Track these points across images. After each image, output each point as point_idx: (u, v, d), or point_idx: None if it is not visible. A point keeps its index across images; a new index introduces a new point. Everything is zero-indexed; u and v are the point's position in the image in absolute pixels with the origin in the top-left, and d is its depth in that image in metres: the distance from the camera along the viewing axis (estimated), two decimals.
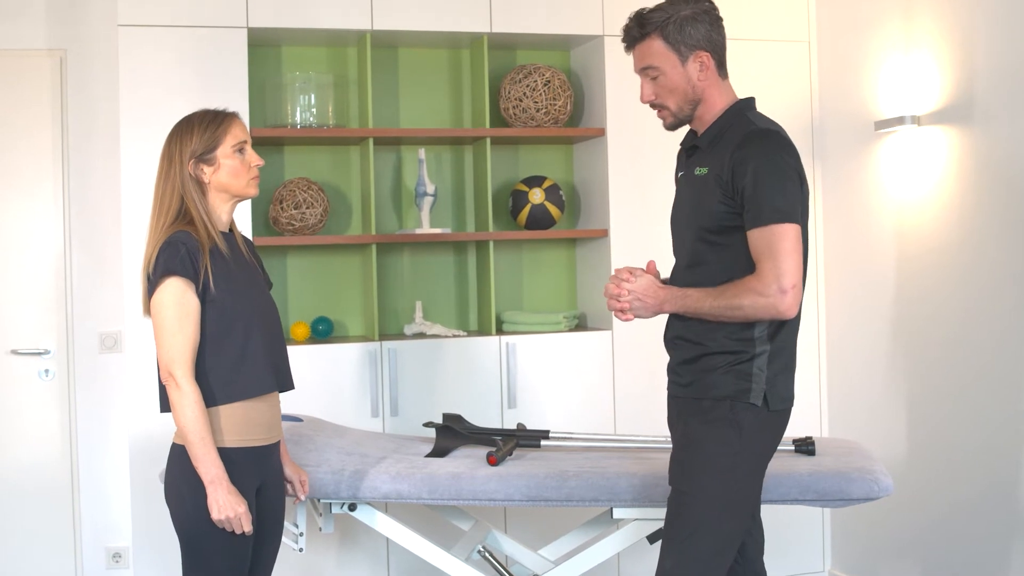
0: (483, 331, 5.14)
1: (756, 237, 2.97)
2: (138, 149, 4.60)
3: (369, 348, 4.83)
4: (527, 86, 5.07)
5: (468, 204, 5.33)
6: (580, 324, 5.34)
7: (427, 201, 5.06)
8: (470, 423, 4.05)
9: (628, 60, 5.07)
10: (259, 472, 3.18)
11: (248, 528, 3.05)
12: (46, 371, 5.04)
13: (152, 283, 3.06)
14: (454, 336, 4.97)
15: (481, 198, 5.14)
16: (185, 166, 3.13)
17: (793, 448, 3.84)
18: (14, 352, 5.01)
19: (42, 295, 5.03)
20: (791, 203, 2.96)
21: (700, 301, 3.05)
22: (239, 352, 3.11)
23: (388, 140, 5.09)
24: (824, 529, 5.41)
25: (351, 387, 4.81)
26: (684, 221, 3.21)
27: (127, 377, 4.66)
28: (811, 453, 3.80)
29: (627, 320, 3.19)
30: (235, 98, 4.65)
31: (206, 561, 3.09)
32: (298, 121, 4.93)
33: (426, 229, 5.02)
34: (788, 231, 2.95)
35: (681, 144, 3.30)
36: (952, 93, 4.50)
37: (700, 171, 3.12)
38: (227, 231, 3.24)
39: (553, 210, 5.15)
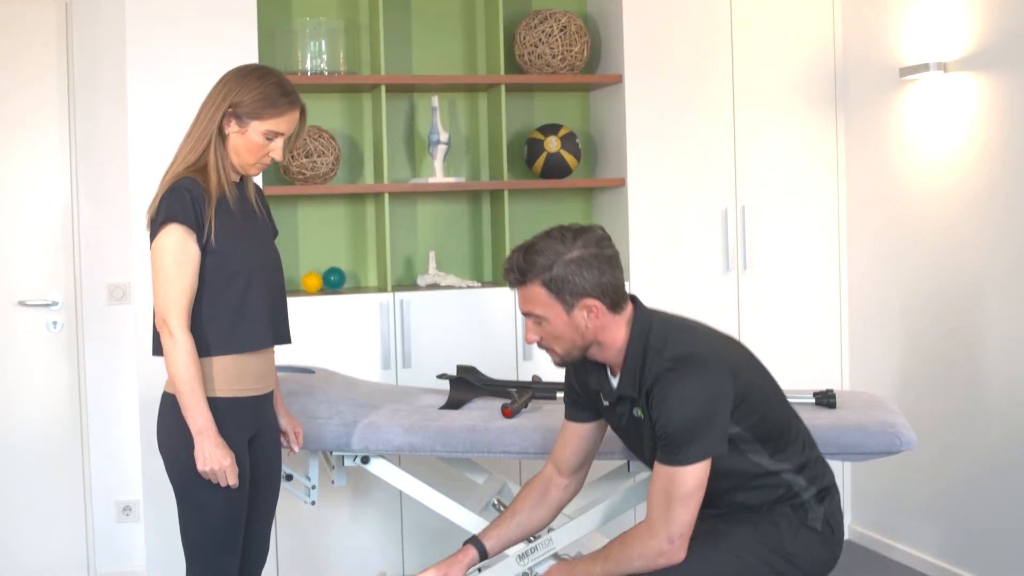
0: (498, 282, 5.13)
1: (659, 472, 2.87)
2: (145, 96, 4.58)
3: (382, 299, 4.83)
4: (543, 32, 5.04)
5: (482, 153, 5.31)
6: None
7: (440, 150, 5.04)
8: (485, 375, 4.04)
9: (646, 5, 5.03)
10: (251, 422, 3.19)
11: (233, 481, 3.05)
12: (54, 323, 5.05)
13: (153, 228, 3.05)
14: (468, 287, 4.97)
15: (496, 147, 5.12)
16: (223, 108, 3.10)
17: (814, 401, 3.82)
18: (21, 304, 5.02)
19: (49, 246, 5.04)
20: (702, 442, 2.82)
21: (590, 567, 2.97)
22: (237, 305, 3.10)
23: (400, 87, 5.06)
24: (844, 485, 5.42)
25: (363, 339, 4.81)
26: (647, 461, 3.09)
27: (136, 329, 4.66)
28: (832, 406, 3.78)
29: None
30: (244, 45, 4.63)
31: (201, 511, 3.10)
32: (308, 68, 4.91)
33: (439, 178, 5.00)
34: (690, 475, 2.83)
35: (597, 380, 3.10)
36: (980, 38, 4.45)
37: (638, 412, 2.99)
38: (238, 180, 3.23)
39: (569, 159, 5.12)
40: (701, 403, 2.83)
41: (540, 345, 3.00)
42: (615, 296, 2.92)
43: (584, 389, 3.16)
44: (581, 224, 2.95)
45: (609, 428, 3.29)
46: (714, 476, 2.95)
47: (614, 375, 3.04)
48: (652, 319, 2.99)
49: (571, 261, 2.87)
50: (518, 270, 2.92)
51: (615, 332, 2.96)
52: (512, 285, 2.96)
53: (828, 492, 3.06)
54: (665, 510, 2.84)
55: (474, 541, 3.16)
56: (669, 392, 2.83)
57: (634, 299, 3.04)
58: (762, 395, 2.98)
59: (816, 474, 3.04)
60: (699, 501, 2.86)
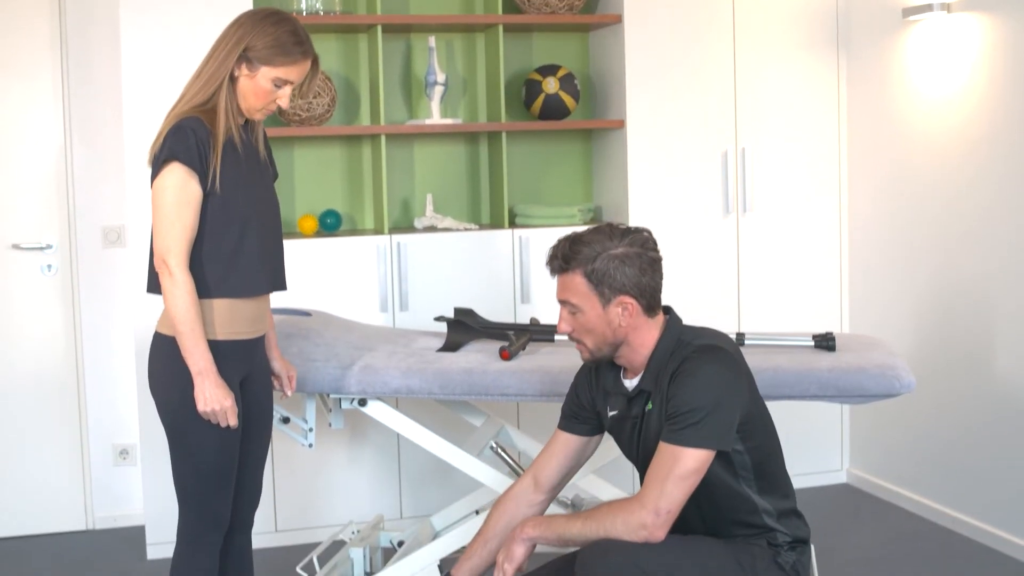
0: (496, 225, 5.12)
1: (661, 450, 2.89)
2: (139, 37, 4.55)
3: (379, 242, 4.82)
4: None
5: (480, 94, 5.28)
6: (595, 217, 5.32)
7: (438, 91, 5.02)
8: (482, 318, 4.05)
9: None
10: (244, 364, 3.19)
11: (234, 422, 3.06)
12: (48, 266, 5.05)
13: (155, 166, 3.04)
14: (466, 230, 4.96)
15: (493, 88, 5.10)
16: (236, 51, 3.07)
17: (813, 344, 3.83)
18: (15, 247, 5.01)
19: (43, 188, 5.02)
20: (710, 428, 2.86)
21: (569, 523, 2.97)
22: (235, 249, 3.09)
23: (397, 27, 5.03)
24: (843, 429, 5.44)
25: (360, 281, 4.82)
26: (646, 461, 3.06)
27: (131, 272, 4.66)
28: (831, 349, 3.79)
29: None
30: None
31: (193, 453, 3.10)
32: (304, 8, 4.87)
33: (437, 120, 4.98)
34: (690, 458, 2.85)
35: (606, 388, 3.13)
36: None
37: (648, 407, 3.01)
38: (243, 123, 3.20)
39: (568, 100, 5.10)
40: (718, 390, 2.88)
41: (571, 337, 3.04)
42: (652, 299, 2.98)
43: (590, 404, 3.19)
44: (631, 226, 3.01)
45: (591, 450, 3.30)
46: (702, 494, 2.97)
47: (631, 377, 3.08)
48: (685, 326, 3.06)
49: (615, 256, 2.92)
50: (562, 257, 2.98)
51: (645, 334, 3.00)
52: (554, 272, 3.02)
53: (802, 545, 3.10)
54: (660, 485, 2.86)
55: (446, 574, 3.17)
56: (690, 371, 2.89)
57: (670, 309, 3.09)
58: (764, 429, 3.04)
59: (793, 526, 3.09)
60: (694, 486, 2.88)
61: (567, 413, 3.22)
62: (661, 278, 3.00)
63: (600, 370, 3.16)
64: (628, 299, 2.94)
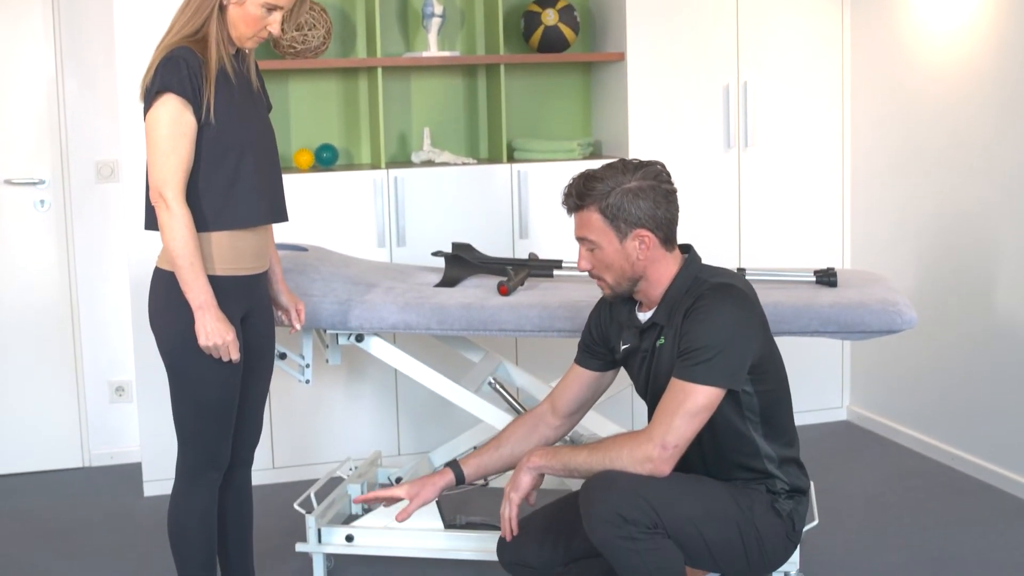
0: (494, 159, 5.11)
1: (672, 386, 2.91)
2: None
3: (375, 176, 4.81)
4: None
5: (478, 26, 5.24)
6: (595, 152, 5.30)
7: (435, 23, 4.98)
8: (480, 253, 4.04)
9: None
10: (245, 300, 3.18)
11: (235, 356, 3.06)
12: (41, 202, 5.03)
13: (148, 99, 3.02)
14: (464, 164, 4.94)
15: (492, 19, 5.06)
16: None
17: (814, 279, 3.83)
18: (8, 182, 5.00)
19: (34, 122, 4.99)
20: (722, 366, 2.88)
21: (574, 453, 2.99)
22: (231, 180, 3.07)
23: None
24: (843, 366, 5.45)
25: (357, 216, 4.81)
26: (655, 395, 3.08)
27: (125, 208, 4.65)
28: (833, 285, 3.79)
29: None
30: None
31: (193, 389, 3.11)
32: None
33: (434, 52, 4.95)
34: (701, 394, 2.87)
35: (620, 321, 3.16)
36: None
37: (660, 342, 3.03)
38: (234, 52, 3.18)
39: (567, 32, 5.06)
40: (732, 328, 2.90)
41: (591, 274, 3.06)
42: (668, 231, 3.00)
43: (603, 339, 3.21)
44: (643, 159, 3.02)
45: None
46: (706, 433, 2.98)
47: (645, 311, 3.09)
48: (704, 264, 3.08)
49: (629, 190, 2.94)
50: (577, 195, 3.00)
51: (664, 268, 3.02)
52: (569, 211, 3.04)
53: (800, 494, 3.13)
54: (669, 419, 2.88)
55: (452, 465, 3.18)
56: (705, 308, 2.91)
57: (690, 247, 3.11)
58: (776, 375, 3.06)
59: (793, 475, 3.11)
60: (702, 423, 2.90)
61: (582, 347, 3.26)
62: (677, 210, 3.01)
63: (615, 304, 3.17)
64: (645, 232, 2.96)
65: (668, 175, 3.01)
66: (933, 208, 4.80)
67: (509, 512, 3.03)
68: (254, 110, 3.18)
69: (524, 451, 3.19)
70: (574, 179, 3.02)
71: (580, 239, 3.03)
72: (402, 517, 3.09)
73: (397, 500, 3.16)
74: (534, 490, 3.05)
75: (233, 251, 3.10)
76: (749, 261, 5.21)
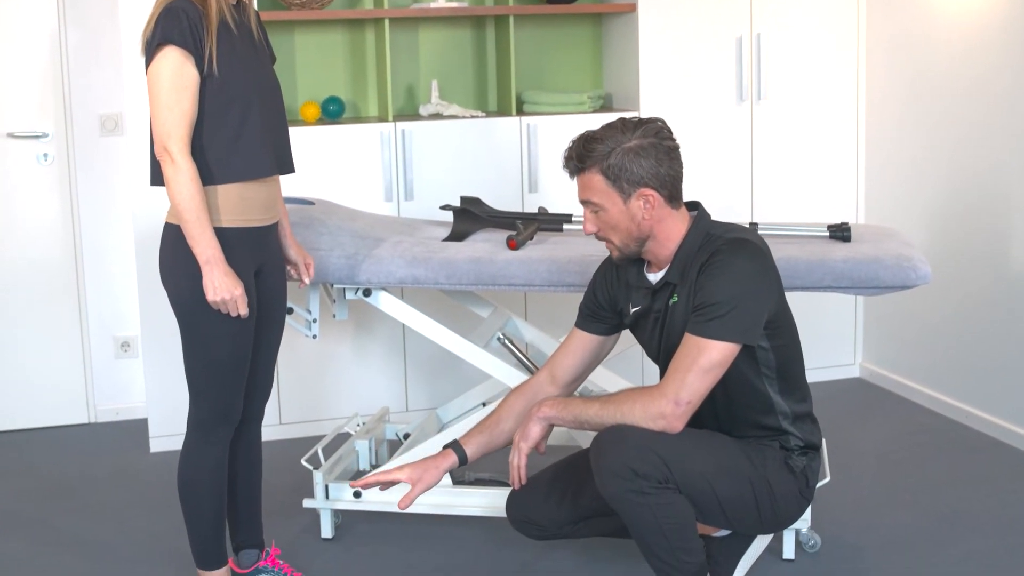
0: (503, 112, 5.09)
1: (686, 341, 2.90)
2: None
3: (383, 129, 4.79)
4: None
5: None
6: (605, 105, 5.28)
7: None
8: (489, 206, 4.03)
9: None
10: (256, 254, 3.18)
11: (244, 311, 3.06)
12: (45, 155, 5.03)
13: (149, 51, 3.01)
14: (472, 117, 4.93)
15: None
16: None
17: (828, 234, 3.82)
18: (11, 135, 4.99)
19: (37, 75, 4.98)
20: (737, 322, 2.87)
21: (586, 406, 2.99)
22: (236, 131, 3.07)
23: None
24: (856, 322, 5.45)
25: (364, 170, 4.80)
26: (667, 354, 3.07)
27: (130, 161, 4.64)
28: (846, 239, 3.78)
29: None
30: None
31: (205, 345, 3.12)
32: None
33: (442, 3, 4.92)
34: (715, 350, 2.87)
35: (628, 283, 3.15)
36: None
37: (673, 300, 3.02)
38: (235, 3, 3.17)
39: None
40: (747, 283, 2.90)
41: (598, 237, 3.05)
42: (673, 188, 2.98)
43: (610, 302, 3.20)
44: (643, 117, 3.00)
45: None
46: (719, 389, 2.99)
47: (655, 271, 3.08)
48: (714, 221, 3.07)
49: (630, 149, 2.93)
50: (577, 158, 2.98)
51: (672, 226, 3.01)
52: (571, 174, 3.02)
53: (813, 451, 3.13)
54: (682, 375, 2.88)
55: (454, 445, 3.18)
56: (720, 263, 2.90)
57: (698, 204, 3.09)
58: (790, 331, 3.06)
59: (807, 431, 3.12)
60: (716, 379, 2.90)
61: (584, 312, 3.25)
62: (680, 167, 2.99)
63: (621, 265, 3.17)
64: (648, 191, 2.95)
65: (669, 131, 2.99)
66: (948, 162, 4.78)
67: (518, 461, 3.04)
68: (257, 61, 3.17)
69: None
70: (573, 142, 3.00)
71: (584, 202, 3.01)
72: (405, 504, 3.09)
73: (395, 484, 3.15)
74: (544, 440, 3.05)
75: (241, 203, 3.10)
76: (761, 215, 5.20)
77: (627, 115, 3.00)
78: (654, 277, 3.08)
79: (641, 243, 3.02)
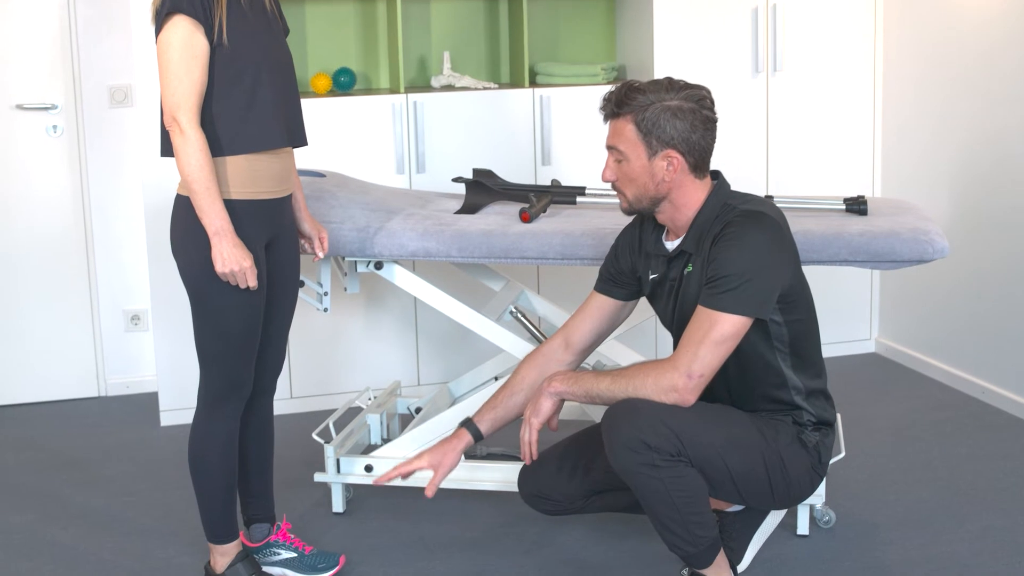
0: (516, 83, 5.08)
1: (698, 314, 2.90)
2: None
3: (394, 101, 4.78)
4: None
5: None
6: (619, 76, 5.26)
7: None
8: (502, 179, 4.03)
9: None
10: (268, 226, 3.18)
11: (253, 283, 3.06)
12: (54, 127, 5.03)
13: (158, 21, 3.00)
14: (484, 89, 4.92)
15: None
16: None
17: (844, 207, 3.81)
18: (19, 107, 4.99)
19: (46, 45, 4.97)
20: (750, 295, 2.86)
21: (597, 380, 2.99)
22: (247, 102, 3.06)
23: None
24: (872, 297, 5.44)
25: (375, 142, 4.79)
26: (681, 323, 3.07)
27: (140, 133, 4.64)
28: (863, 213, 3.77)
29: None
30: None
31: (215, 317, 3.12)
32: None
33: None
34: (728, 323, 2.86)
35: (647, 250, 3.15)
36: None
37: (688, 269, 3.02)
38: None
39: None
40: (762, 255, 2.89)
41: (613, 187, 3.06)
42: (700, 158, 2.99)
43: (630, 268, 3.20)
44: (692, 82, 3.00)
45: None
46: (732, 363, 2.98)
47: (673, 239, 3.08)
48: (733, 191, 3.06)
49: (668, 108, 2.93)
50: (616, 102, 2.99)
51: (690, 195, 3.01)
52: (606, 117, 3.03)
53: (826, 427, 3.13)
54: (695, 348, 2.88)
55: (468, 424, 3.18)
56: (734, 235, 2.90)
57: (719, 174, 3.09)
58: (806, 306, 3.05)
59: (820, 407, 3.11)
60: (728, 352, 2.90)
61: (604, 276, 3.25)
62: (713, 140, 3.00)
63: (643, 233, 3.17)
64: (675, 153, 2.95)
65: (712, 102, 2.99)
66: (967, 134, 4.76)
67: (529, 437, 3.04)
68: (268, 31, 3.15)
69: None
70: (617, 86, 3.00)
71: (610, 148, 3.02)
72: (431, 492, 3.09)
73: (415, 472, 3.15)
74: (555, 415, 3.06)
75: (251, 175, 3.09)
76: (777, 188, 5.18)
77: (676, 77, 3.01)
78: (671, 245, 3.08)
79: (654, 203, 3.02)
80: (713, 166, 3.12)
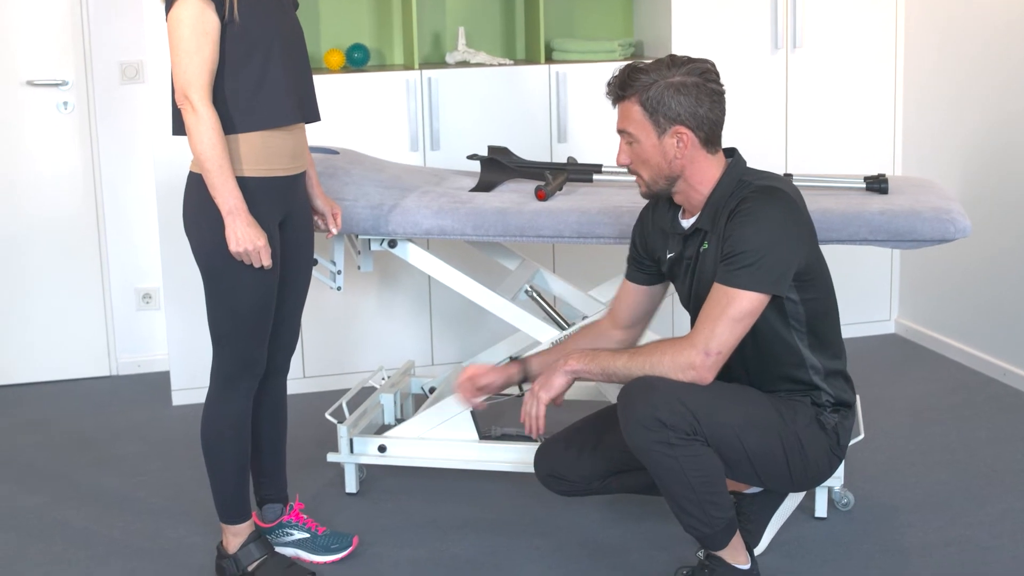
0: (531, 59, 5.06)
1: (714, 291, 2.90)
2: None
3: (408, 77, 4.78)
4: None
5: None
6: (636, 52, 5.24)
7: None
8: (517, 156, 4.02)
9: None
10: (282, 204, 3.18)
11: (267, 262, 3.06)
12: (64, 103, 5.03)
13: None
14: (500, 65, 4.91)
15: None
16: None
17: (864, 186, 3.79)
18: (30, 83, 4.99)
19: (56, 21, 4.97)
20: (766, 272, 2.86)
21: (614, 357, 2.99)
22: (258, 79, 3.06)
23: None
24: (892, 277, 5.42)
25: (389, 119, 4.78)
26: (697, 301, 3.07)
27: (151, 110, 4.64)
28: (883, 191, 3.75)
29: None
30: None
31: (229, 297, 3.12)
32: None
33: None
34: (745, 300, 2.86)
35: (663, 229, 3.15)
36: None
37: (704, 247, 3.02)
38: None
39: None
40: (777, 231, 2.89)
41: (629, 170, 3.06)
42: (710, 132, 2.98)
43: (648, 251, 3.21)
44: (694, 56, 3.01)
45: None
46: (749, 342, 2.98)
47: (688, 217, 3.08)
48: (749, 168, 3.06)
49: (671, 85, 2.94)
50: (619, 85, 3.00)
51: (705, 171, 3.01)
52: (613, 102, 3.04)
53: (845, 408, 3.13)
54: (712, 325, 2.88)
55: (519, 360, 3.21)
56: (749, 211, 2.90)
57: (735, 151, 3.08)
58: (824, 285, 3.06)
59: (839, 387, 3.11)
60: (746, 329, 2.90)
61: (629, 262, 3.29)
62: (722, 112, 2.99)
63: (658, 212, 3.17)
64: (684, 130, 2.95)
65: (716, 74, 2.98)
66: (989, 112, 4.73)
67: (537, 411, 3.04)
68: (279, 8, 3.15)
69: None
70: (619, 70, 3.01)
71: (620, 131, 3.02)
72: (471, 397, 3.21)
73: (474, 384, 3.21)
74: (563, 394, 3.06)
75: (265, 151, 3.09)
76: (796, 166, 5.16)
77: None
78: (687, 223, 3.08)
79: (671, 182, 3.02)
80: (731, 143, 3.12)
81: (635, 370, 2.94)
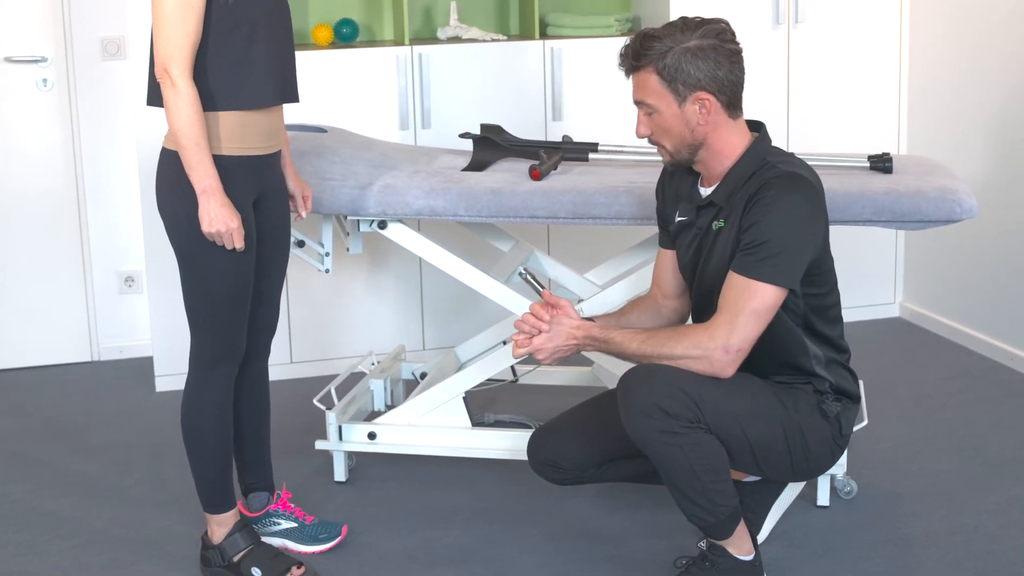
0: (525, 35, 5.06)
1: (734, 282, 2.88)
2: None
3: (398, 53, 4.77)
4: None
5: None
6: (633, 28, 5.23)
7: None
8: (511, 135, 4.02)
9: None
10: (256, 182, 3.17)
11: (240, 244, 3.05)
12: (44, 80, 5.02)
13: None
14: (493, 40, 4.90)
15: None
16: None
17: (868, 165, 3.79)
18: (8, 60, 4.97)
19: None
20: (788, 264, 2.86)
21: (627, 340, 2.97)
22: (241, 56, 3.05)
23: None
24: (896, 260, 5.42)
25: (379, 96, 4.78)
26: (700, 277, 3.07)
27: (133, 86, 4.63)
28: (888, 171, 3.75)
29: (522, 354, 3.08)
30: None
31: (203, 278, 3.12)
32: None
33: None
34: (768, 293, 2.85)
35: (680, 193, 3.15)
36: None
37: (717, 224, 3.00)
38: None
39: None
40: (802, 224, 2.89)
41: (650, 141, 3.04)
42: (731, 94, 2.95)
43: (664, 214, 3.21)
44: (706, 17, 2.97)
45: None
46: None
47: (707, 186, 3.06)
48: (774, 147, 3.04)
49: (688, 49, 2.90)
50: (632, 55, 2.96)
51: (729, 138, 2.98)
52: (627, 73, 3.00)
53: (848, 397, 3.13)
54: (733, 318, 2.87)
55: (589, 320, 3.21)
56: (773, 199, 2.87)
57: (761, 125, 3.07)
58: (828, 275, 3.06)
59: (841, 376, 3.11)
60: (767, 324, 2.89)
61: (659, 225, 3.28)
62: (742, 72, 2.97)
63: (676, 174, 3.16)
64: (705, 95, 2.92)
65: (732, 34, 2.95)
66: (996, 89, 4.73)
67: (529, 348, 3.04)
68: None
69: (649, 322, 3.21)
70: (631, 38, 2.97)
71: (638, 103, 2.99)
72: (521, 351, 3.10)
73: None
74: (562, 356, 3.04)
75: (242, 130, 3.08)
76: (798, 145, 5.16)
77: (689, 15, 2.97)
78: (704, 192, 3.07)
79: (694, 150, 3.00)
80: None
81: (651, 355, 2.93)
